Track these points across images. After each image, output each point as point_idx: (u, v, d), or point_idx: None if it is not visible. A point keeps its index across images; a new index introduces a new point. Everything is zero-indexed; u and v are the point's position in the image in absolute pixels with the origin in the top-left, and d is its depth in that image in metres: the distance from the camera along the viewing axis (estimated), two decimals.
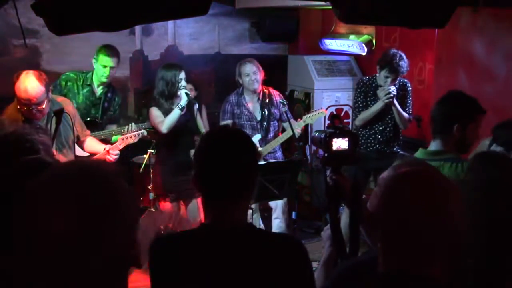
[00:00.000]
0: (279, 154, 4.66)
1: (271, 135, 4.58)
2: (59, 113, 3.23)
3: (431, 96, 4.48)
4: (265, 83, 4.61)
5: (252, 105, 4.56)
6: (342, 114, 5.73)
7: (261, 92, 4.54)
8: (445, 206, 1.17)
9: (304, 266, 1.57)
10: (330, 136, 1.87)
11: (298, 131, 4.39)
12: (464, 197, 1.21)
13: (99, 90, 4.25)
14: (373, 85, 4.37)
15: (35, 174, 1.01)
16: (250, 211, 4.31)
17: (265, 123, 4.53)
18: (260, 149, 4.37)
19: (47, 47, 5.21)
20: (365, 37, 5.64)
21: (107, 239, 0.96)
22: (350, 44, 5.73)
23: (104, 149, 3.69)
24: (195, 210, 4.20)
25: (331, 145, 1.86)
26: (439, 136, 2.46)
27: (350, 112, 5.76)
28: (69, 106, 3.57)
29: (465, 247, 1.22)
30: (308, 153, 5.37)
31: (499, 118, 2.71)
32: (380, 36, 5.51)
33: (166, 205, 4.32)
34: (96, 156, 3.67)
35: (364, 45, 5.56)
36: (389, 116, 4.35)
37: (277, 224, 4.68)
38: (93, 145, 3.80)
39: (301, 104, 5.79)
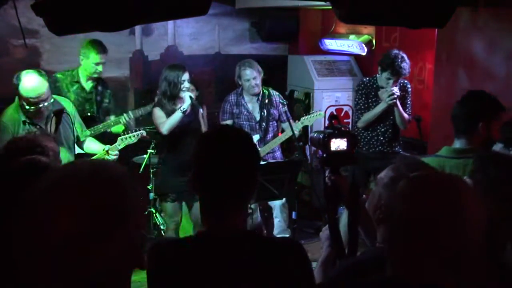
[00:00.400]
0: (278, 154, 4.66)
1: (270, 135, 4.58)
2: (59, 113, 3.24)
3: (431, 96, 4.48)
4: (265, 83, 4.60)
5: (251, 105, 4.55)
6: (342, 114, 5.73)
7: (261, 92, 4.54)
8: (463, 213, 1.11)
9: (304, 270, 1.53)
10: (329, 136, 1.86)
11: (296, 132, 4.39)
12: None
13: (88, 85, 4.22)
14: (374, 86, 4.37)
15: (35, 174, 1.01)
16: (250, 211, 4.32)
17: (264, 124, 4.52)
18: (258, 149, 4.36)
19: (47, 47, 5.21)
20: (365, 37, 5.64)
21: (114, 240, 0.95)
22: (350, 44, 5.73)
23: (104, 150, 3.69)
24: (199, 212, 4.19)
25: (329, 146, 1.86)
26: (464, 135, 2.52)
27: (350, 112, 5.76)
28: (69, 107, 3.57)
29: (482, 258, 1.16)
30: (308, 153, 5.37)
31: None
32: (380, 36, 5.51)
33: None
34: (95, 157, 3.66)
35: (364, 45, 5.56)
36: (391, 117, 4.36)
37: (277, 223, 4.69)
38: (92, 145, 3.80)
39: (301, 104, 5.79)
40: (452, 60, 4.16)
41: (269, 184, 3.76)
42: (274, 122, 4.61)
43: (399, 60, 4.12)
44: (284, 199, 4.52)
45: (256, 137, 4.44)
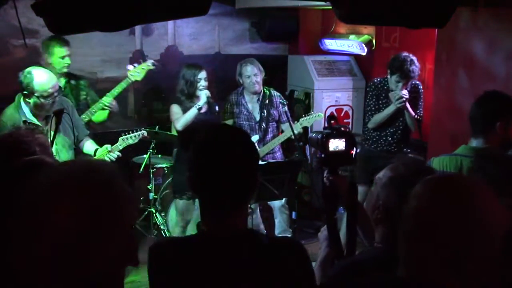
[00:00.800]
0: (278, 154, 4.65)
1: (269, 136, 4.57)
2: (59, 113, 3.24)
3: (431, 96, 4.48)
4: (265, 83, 4.60)
5: (251, 105, 4.55)
6: (342, 114, 5.73)
7: (261, 92, 4.54)
8: (480, 215, 1.09)
9: (305, 270, 1.53)
10: (327, 136, 1.86)
11: (295, 133, 4.38)
12: None
13: (61, 82, 4.17)
14: (385, 88, 4.38)
15: (35, 174, 1.01)
16: (249, 211, 4.31)
17: (263, 124, 4.52)
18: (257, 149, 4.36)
19: None
20: (365, 37, 5.64)
21: (108, 238, 0.96)
22: (350, 44, 5.73)
23: (106, 149, 3.68)
24: None
25: (328, 146, 1.85)
26: (481, 135, 2.55)
27: (350, 112, 5.76)
28: (69, 107, 3.57)
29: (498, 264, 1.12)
30: (308, 153, 5.37)
31: None
32: (380, 36, 5.51)
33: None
34: (97, 156, 3.66)
35: (364, 45, 5.56)
36: (401, 119, 4.37)
37: (277, 224, 4.69)
38: (91, 145, 3.79)
39: (301, 104, 5.79)
40: (452, 60, 4.16)
41: (269, 184, 3.76)
42: (274, 123, 4.61)
43: (408, 64, 4.13)
44: (283, 200, 4.52)
45: (255, 138, 4.44)
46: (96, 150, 3.67)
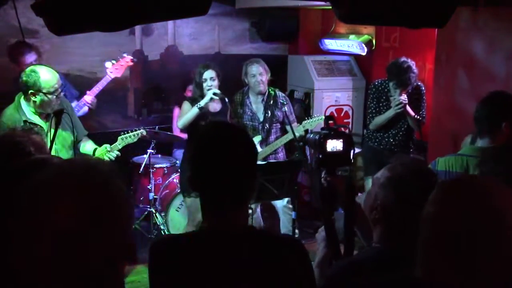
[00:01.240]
0: (281, 155, 4.62)
1: (272, 137, 4.55)
2: (59, 113, 3.23)
3: (431, 96, 4.48)
4: (270, 83, 4.58)
5: (255, 105, 4.54)
6: (342, 114, 5.73)
7: (266, 93, 4.52)
8: (504, 218, 1.06)
9: (306, 269, 1.53)
10: (325, 137, 1.85)
11: (297, 135, 4.38)
12: None
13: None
14: (385, 90, 4.38)
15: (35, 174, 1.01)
16: (249, 211, 4.30)
17: (266, 125, 4.51)
18: (259, 150, 4.36)
19: (47, 47, 5.21)
20: (365, 37, 5.64)
21: (108, 237, 0.96)
22: (350, 44, 5.73)
23: (105, 148, 3.68)
24: None
25: (325, 147, 1.85)
26: (487, 134, 2.56)
27: (350, 112, 5.76)
28: (68, 107, 3.57)
29: None
30: (308, 153, 5.37)
31: None
32: (380, 36, 5.51)
33: None
34: (96, 155, 3.66)
35: (364, 45, 5.57)
36: (402, 121, 4.38)
37: (281, 224, 4.68)
38: (90, 145, 3.79)
39: (301, 104, 5.79)
40: (452, 60, 4.16)
41: (269, 184, 3.76)
42: (278, 124, 4.57)
43: (404, 72, 4.12)
44: (286, 200, 4.51)
45: (258, 138, 4.43)
46: (95, 149, 3.67)
